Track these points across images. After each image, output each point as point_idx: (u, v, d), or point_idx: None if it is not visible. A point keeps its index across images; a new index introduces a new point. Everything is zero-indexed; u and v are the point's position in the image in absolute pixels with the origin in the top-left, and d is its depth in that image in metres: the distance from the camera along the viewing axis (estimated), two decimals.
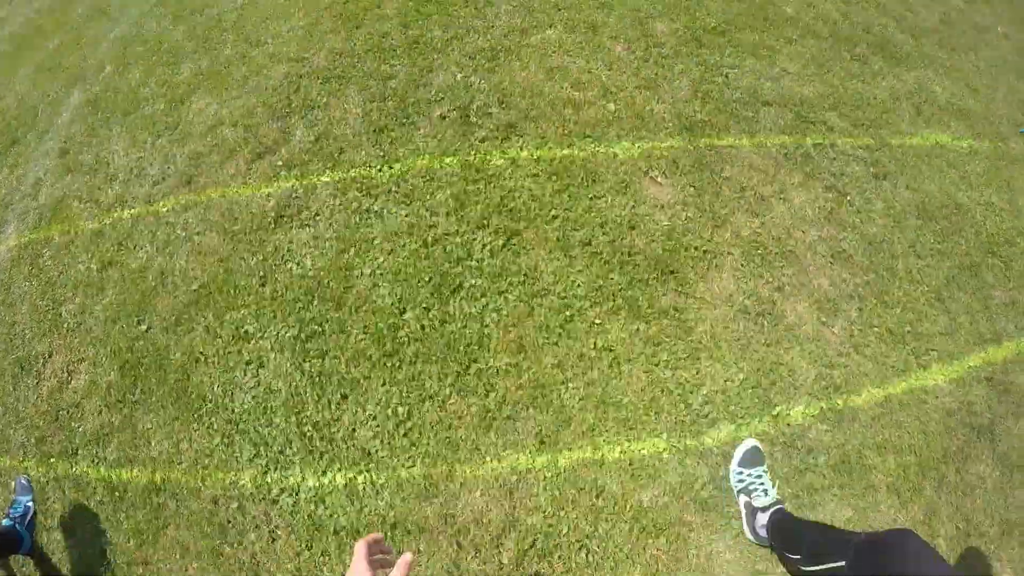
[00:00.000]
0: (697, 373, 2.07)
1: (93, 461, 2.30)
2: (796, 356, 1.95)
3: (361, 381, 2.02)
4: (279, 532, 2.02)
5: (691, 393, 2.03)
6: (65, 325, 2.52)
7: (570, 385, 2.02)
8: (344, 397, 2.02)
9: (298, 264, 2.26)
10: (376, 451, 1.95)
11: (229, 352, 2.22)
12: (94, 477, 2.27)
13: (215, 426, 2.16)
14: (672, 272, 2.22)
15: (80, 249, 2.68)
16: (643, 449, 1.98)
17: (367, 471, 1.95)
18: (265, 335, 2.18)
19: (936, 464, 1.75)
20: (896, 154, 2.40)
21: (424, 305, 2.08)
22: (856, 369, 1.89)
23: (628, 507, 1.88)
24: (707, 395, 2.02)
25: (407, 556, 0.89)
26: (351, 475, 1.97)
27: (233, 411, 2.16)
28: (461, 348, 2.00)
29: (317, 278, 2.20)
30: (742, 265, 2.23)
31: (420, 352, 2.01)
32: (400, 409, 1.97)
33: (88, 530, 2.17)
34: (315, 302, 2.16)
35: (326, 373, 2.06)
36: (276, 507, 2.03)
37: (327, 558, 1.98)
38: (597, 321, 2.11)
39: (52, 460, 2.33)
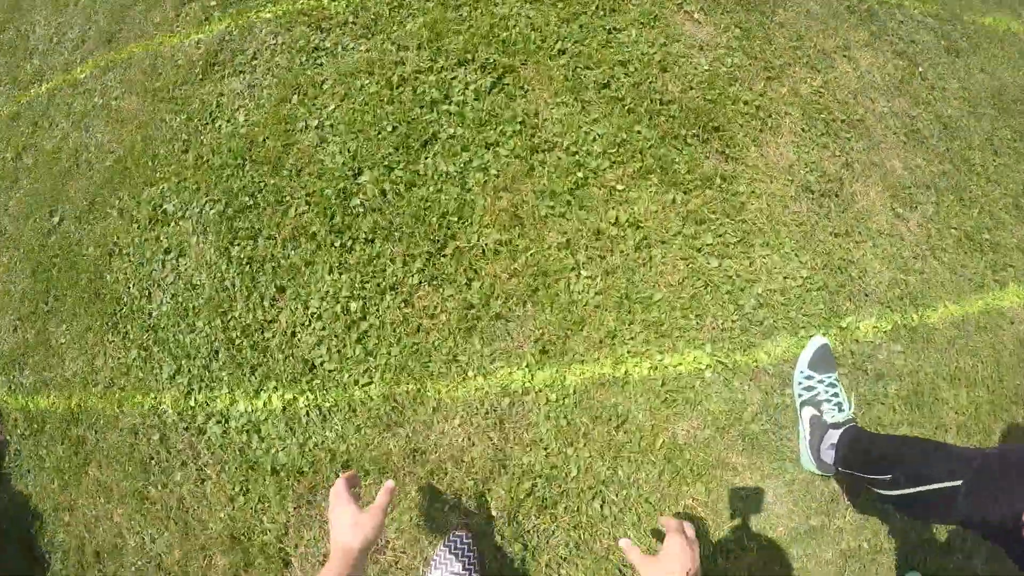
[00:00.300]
0: (750, 265, 1.43)
1: (11, 388, 1.88)
2: (868, 253, 1.52)
3: (302, 268, 1.44)
4: (208, 471, 1.53)
5: (742, 291, 1.41)
6: None
7: (583, 274, 1.38)
8: (281, 290, 1.46)
9: (228, 121, 1.67)
10: (322, 363, 1.40)
11: (146, 240, 1.68)
12: (13, 407, 1.85)
13: (131, 336, 1.65)
14: (716, 130, 1.53)
15: None
16: (679, 365, 1.36)
17: (310, 390, 1.40)
18: (186, 214, 1.63)
19: (1007, 403, 1.48)
20: (968, 31, 2.00)
21: (386, 163, 1.46)
22: (932, 278, 1.53)
23: (658, 444, 1.31)
24: (762, 295, 1.41)
25: (389, 483, 0.95)
26: (290, 396, 1.43)
27: (151, 315, 1.64)
28: (434, 220, 1.38)
29: (250, 136, 1.61)
30: (802, 130, 1.60)
31: (379, 226, 1.41)
32: (352, 305, 1.39)
33: (15, 470, 1.79)
34: (246, 167, 1.58)
35: (258, 259, 1.49)
36: (203, 438, 1.53)
37: (266, 505, 1.47)
38: (619, 187, 1.44)
39: None
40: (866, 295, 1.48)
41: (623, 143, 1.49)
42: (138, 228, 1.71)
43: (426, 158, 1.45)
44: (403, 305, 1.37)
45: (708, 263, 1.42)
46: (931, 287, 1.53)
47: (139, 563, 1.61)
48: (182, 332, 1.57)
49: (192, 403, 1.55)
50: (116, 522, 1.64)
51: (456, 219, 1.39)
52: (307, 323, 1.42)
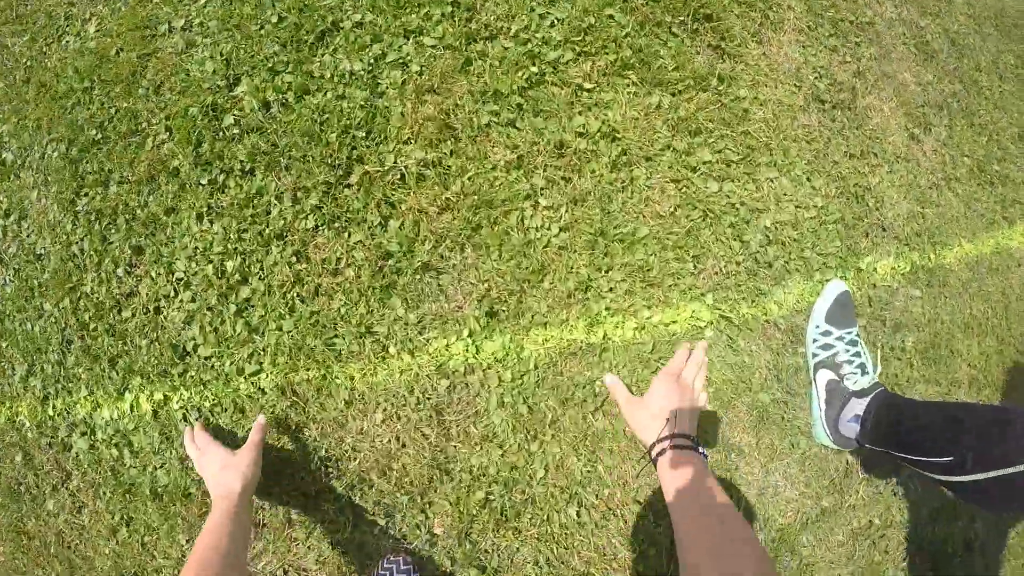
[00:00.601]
0: (756, 190, 1.06)
1: None
2: (884, 180, 1.24)
3: (162, 218, 1.03)
4: (82, 497, 1.17)
5: (747, 224, 1.04)
6: None
7: (541, 203, 0.96)
8: (138, 251, 1.05)
9: (77, 35, 1.24)
10: (195, 347, 1.00)
11: None
12: None
13: None
14: (709, 19, 1.10)
15: None
16: (673, 323, 0.99)
17: (184, 386, 1.01)
18: (26, 161, 1.21)
19: (1015, 353, 1.35)
20: None
21: (269, 66, 1.03)
22: (948, 212, 1.32)
23: None
24: (771, 228, 1.06)
25: (260, 418, 0.91)
26: (159, 395, 1.03)
27: None
28: (334, 138, 0.95)
29: (101, 50, 1.18)
30: (808, 28, 1.23)
31: (260, 152, 0.99)
32: (228, 265, 0.98)
33: None
34: (94, 91, 1.16)
35: (108, 212, 1.08)
36: (70, 456, 1.16)
37: (155, 537, 1.12)
38: (587, 86, 1.00)
39: None
40: (883, 229, 1.21)
41: (590, 29, 1.05)
42: None
43: (323, 55, 1.01)
44: (295, 259, 0.95)
45: (706, 186, 1.02)
46: (946, 222, 1.33)
47: None
48: (30, 319, 1.18)
49: (51, 411, 1.17)
50: (0, 562, 1.30)
51: (364, 135, 0.96)
52: (173, 294, 1.01)
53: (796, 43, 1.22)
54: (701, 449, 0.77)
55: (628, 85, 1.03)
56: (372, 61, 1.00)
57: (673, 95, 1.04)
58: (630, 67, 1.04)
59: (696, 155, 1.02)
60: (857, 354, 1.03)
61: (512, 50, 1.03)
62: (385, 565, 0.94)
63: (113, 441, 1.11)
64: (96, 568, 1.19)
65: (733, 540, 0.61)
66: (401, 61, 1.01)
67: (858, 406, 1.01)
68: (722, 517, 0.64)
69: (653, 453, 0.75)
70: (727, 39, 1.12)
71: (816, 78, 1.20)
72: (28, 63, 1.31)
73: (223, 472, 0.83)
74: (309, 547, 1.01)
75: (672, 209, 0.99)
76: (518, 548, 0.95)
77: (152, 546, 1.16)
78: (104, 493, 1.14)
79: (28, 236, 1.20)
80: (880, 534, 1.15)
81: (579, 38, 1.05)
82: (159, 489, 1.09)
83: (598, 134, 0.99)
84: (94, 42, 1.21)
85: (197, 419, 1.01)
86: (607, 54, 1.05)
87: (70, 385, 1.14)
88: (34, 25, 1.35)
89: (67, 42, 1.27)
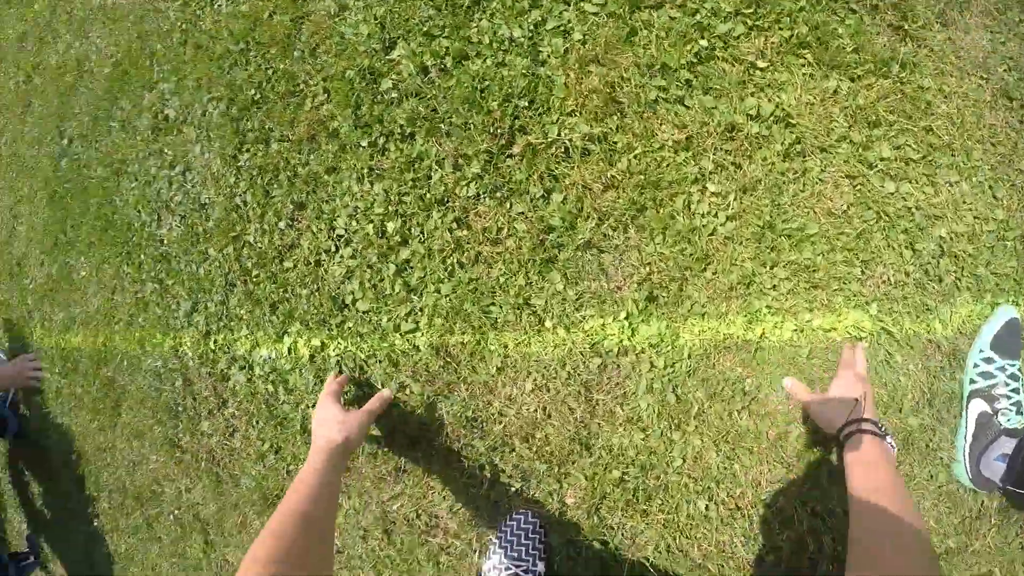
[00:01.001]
0: (935, 194, 0.94)
1: (43, 325, 1.72)
2: None
3: (324, 177, 1.06)
4: (235, 423, 1.28)
5: (921, 231, 0.93)
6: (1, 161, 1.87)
7: (709, 188, 0.90)
8: (300, 207, 1.10)
9: None
10: (354, 302, 1.05)
11: (151, 154, 1.36)
12: (48, 345, 1.71)
13: (145, 267, 1.39)
14: None
15: (9, 63, 1.96)
16: (833, 330, 0.93)
17: (341, 336, 1.07)
18: (188, 118, 1.28)
19: None
20: None
21: (425, 31, 1.00)
22: None
23: (792, 437, 0.93)
24: (945, 239, 0.95)
25: (385, 392, 0.97)
26: (317, 342, 1.10)
27: (162, 243, 1.35)
28: (495, 107, 0.93)
29: (254, 13, 1.19)
30: (997, 11, 1.02)
31: (419, 117, 0.98)
32: (389, 226, 1.01)
33: (58, 410, 1.67)
34: (251, 52, 1.18)
35: (270, 168, 1.13)
36: (227, 386, 1.27)
37: (299, 466, 1.23)
38: (760, 64, 0.91)
39: (12, 328, 1.79)
40: None
41: (763, 1, 0.95)
42: (141, 141, 1.39)
43: (480, 19, 0.98)
44: (455, 226, 0.97)
45: (882, 186, 0.92)
46: None
47: (177, 512, 1.45)
48: (195, 262, 1.27)
49: (212, 345, 1.28)
50: (152, 468, 1.48)
51: (526, 104, 0.94)
52: (333, 250, 1.06)
53: (983, 28, 1.05)
54: (890, 439, 0.76)
55: (803, 66, 0.93)
56: (532, 27, 0.96)
57: (852, 80, 0.94)
58: (806, 45, 0.94)
59: (874, 150, 0.92)
60: (1016, 390, 0.94)
61: (680, 20, 0.95)
62: (514, 515, 0.98)
63: (270, 378, 1.20)
64: (241, 487, 1.29)
65: (909, 539, 0.59)
66: (562, 28, 0.96)
67: (1007, 445, 0.93)
68: (903, 510, 0.61)
69: (842, 435, 0.75)
70: (910, 19, 0.98)
71: (1005, 70, 1.03)
72: (183, 25, 1.35)
73: (330, 424, 0.85)
74: (444, 496, 1.07)
75: (845, 207, 0.91)
76: (643, 530, 0.96)
77: (296, 474, 1.29)
78: (257, 422, 1.25)
79: (193, 187, 1.28)
80: None
81: (751, 10, 0.95)
82: (309, 426, 1.18)
83: (771, 118, 0.91)
84: (247, 5, 1.23)
85: (352, 368, 1.08)
86: (781, 30, 0.95)
87: (232, 324, 1.24)
88: None
89: (219, 5, 1.29)
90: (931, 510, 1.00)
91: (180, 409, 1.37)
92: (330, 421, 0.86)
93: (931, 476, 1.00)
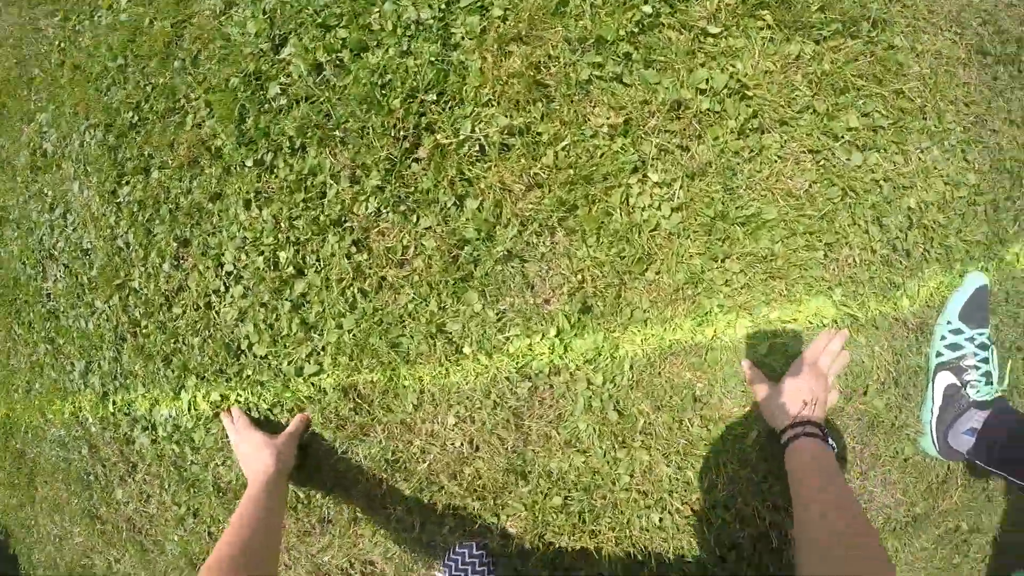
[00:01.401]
0: (905, 162, 0.85)
1: None
2: None
3: (207, 205, 0.91)
4: (148, 488, 1.12)
5: (889, 204, 0.85)
6: None
7: (651, 178, 0.78)
8: (184, 244, 0.95)
9: (110, 8, 1.11)
10: (250, 346, 0.89)
11: (32, 195, 1.19)
12: None
13: (35, 326, 1.21)
14: None
15: None
16: (792, 321, 0.83)
17: (241, 386, 0.92)
18: (66, 150, 1.11)
19: None
20: None
21: (319, 22, 0.87)
22: None
23: (750, 438, 0.85)
24: (915, 210, 0.86)
25: (306, 413, 0.88)
26: (216, 395, 0.94)
27: (49, 296, 1.18)
28: (397, 104, 0.80)
29: (134, 23, 1.05)
30: None
31: (311, 124, 0.85)
32: (281, 256, 0.86)
33: None
34: (129, 68, 1.04)
35: (151, 201, 0.97)
36: (133, 449, 1.11)
37: (221, 528, 1.10)
38: (712, 30, 0.78)
39: None
40: None
41: None
42: (21, 182, 1.22)
43: (383, 3, 0.85)
44: (355, 249, 0.82)
45: (849, 159, 0.82)
46: None
47: None
48: (83, 316, 1.10)
49: (111, 408, 1.11)
50: (78, 543, 1.33)
51: (434, 98, 0.80)
52: (223, 289, 0.90)
53: None
54: (831, 442, 0.73)
55: (762, 29, 0.80)
56: (443, 6, 0.83)
57: (816, 43, 0.81)
58: (765, 5, 0.80)
59: (840, 119, 0.81)
60: (986, 360, 0.89)
61: None
62: (458, 550, 0.86)
63: (174, 438, 1.03)
64: (166, 553, 1.16)
65: (857, 541, 0.59)
66: (479, 4, 0.82)
67: (976, 418, 0.89)
68: (851, 516, 0.61)
69: (783, 439, 0.73)
70: None
71: (980, 24, 0.94)
72: (62, 44, 1.20)
73: (260, 451, 0.81)
74: (375, 543, 0.93)
75: (807, 186, 0.80)
76: (593, 550, 0.85)
77: (219, 536, 1.12)
78: (169, 486, 1.09)
79: (74, 231, 1.11)
80: (963, 539, 1.07)
81: None
82: (222, 484, 1.02)
83: (724, 91, 0.79)
84: (126, 14, 1.08)
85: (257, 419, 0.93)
86: None
87: (127, 383, 1.07)
88: (67, 3, 1.23)
89: (100, 17, 1.14)
90: (898, 482, 0.93)
91: (92, 479, 1.21)
92: (259, 446, 0.82)
93: (897, 452, 0.92)
